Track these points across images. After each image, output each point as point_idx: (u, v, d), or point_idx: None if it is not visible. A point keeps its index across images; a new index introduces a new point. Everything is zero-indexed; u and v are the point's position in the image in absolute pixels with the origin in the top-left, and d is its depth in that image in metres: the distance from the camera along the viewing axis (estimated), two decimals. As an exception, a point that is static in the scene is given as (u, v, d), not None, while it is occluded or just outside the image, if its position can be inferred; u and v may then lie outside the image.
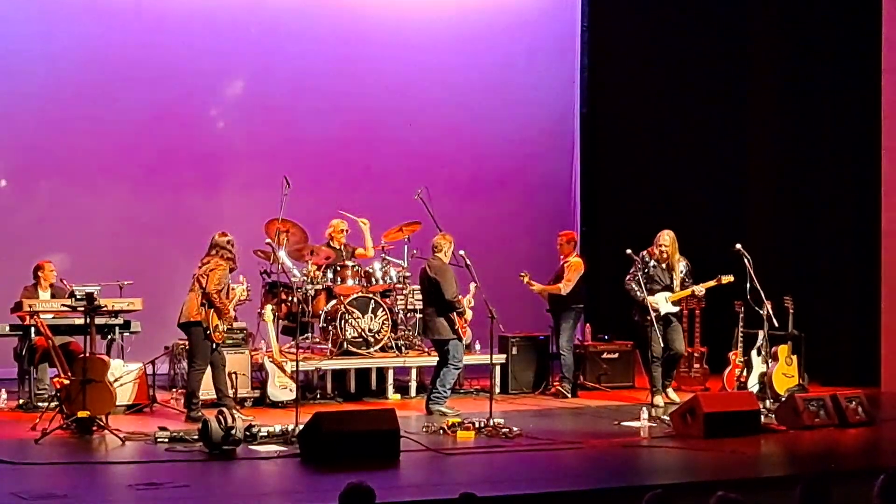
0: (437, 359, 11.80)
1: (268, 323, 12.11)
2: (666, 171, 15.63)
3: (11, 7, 14.06)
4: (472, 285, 11.90)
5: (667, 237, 11.99)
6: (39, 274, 11.98)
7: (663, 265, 11.99)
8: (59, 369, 10.66)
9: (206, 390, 11.50)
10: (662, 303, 11.89)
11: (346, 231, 13.18)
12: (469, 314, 11.97)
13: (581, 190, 16.71)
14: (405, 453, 9.29)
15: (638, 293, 11.78)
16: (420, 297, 12.76)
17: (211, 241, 11.06)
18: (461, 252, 11.59)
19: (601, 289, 14.89)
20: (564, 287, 12.66)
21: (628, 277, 11.92)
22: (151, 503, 7.80)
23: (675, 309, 12.06)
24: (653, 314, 11.66)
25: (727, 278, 11.97)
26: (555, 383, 12.98)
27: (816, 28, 14.19)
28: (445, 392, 11.57)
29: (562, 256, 12.95)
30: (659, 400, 11.77)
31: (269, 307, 12.24)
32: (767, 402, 11.53)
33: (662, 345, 11.84)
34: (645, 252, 12.01)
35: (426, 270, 11.67)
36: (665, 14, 15.66)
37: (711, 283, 12.03)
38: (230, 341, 11.93)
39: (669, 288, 11.95)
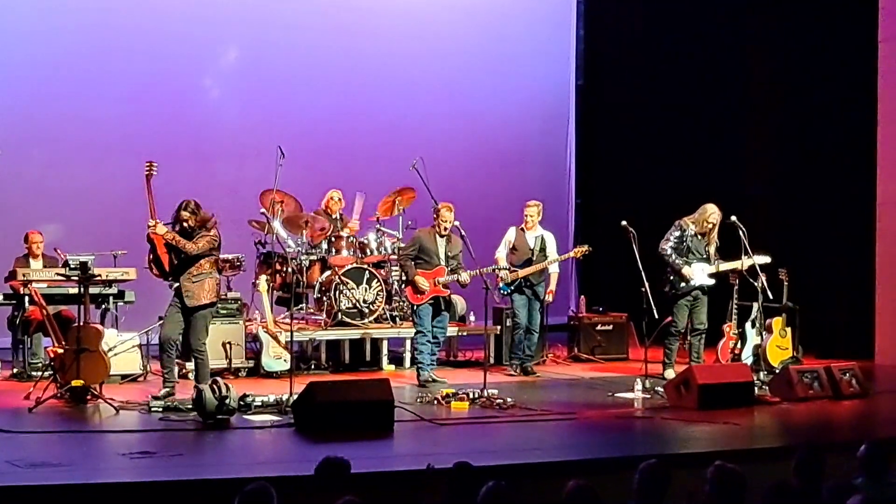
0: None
1: (262, 293, 12.12)
2: (662, 142, 15.62)
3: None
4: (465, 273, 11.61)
5: (717, 213, 11.63)
6: (30, 244, 11.98)
7: (700, 237, 11.70)
8: (53, 339, 10.65)
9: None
10: (698, 273, 11.64)
11: (341, 201, 13.17)
12: (421, 282, 11.49)
13: (576, 161, 16.68)
14: (399, 423, 9.29)
15: (675, 260, 11.60)
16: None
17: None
18: (456, 222, 11.56)
19: (596, 261, 14.86)
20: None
21: (663, 242, 11.67)
22: (145, 471, 7.79)
23: (711, 282, 11.74)
24: (685, 284, 11.57)
25: (763, 259, 11.82)
26: (513, 362, 12.47)
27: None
28: (422, 358, 11.54)
29: (528, 227, 12.25)
30: (671, 373, 11.55)
31: (263, 277, 12.24)
32: (761, 374, 11.55)
33: (688, 320, 11.73)
34: (683, 221, 11.74)
35: None
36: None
37: (752, 262, 11.66)
38: (224, 311, 11.96)
39: (706, 260, 11.72)
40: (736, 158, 15.03)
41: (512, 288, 12.21)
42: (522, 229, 12.33)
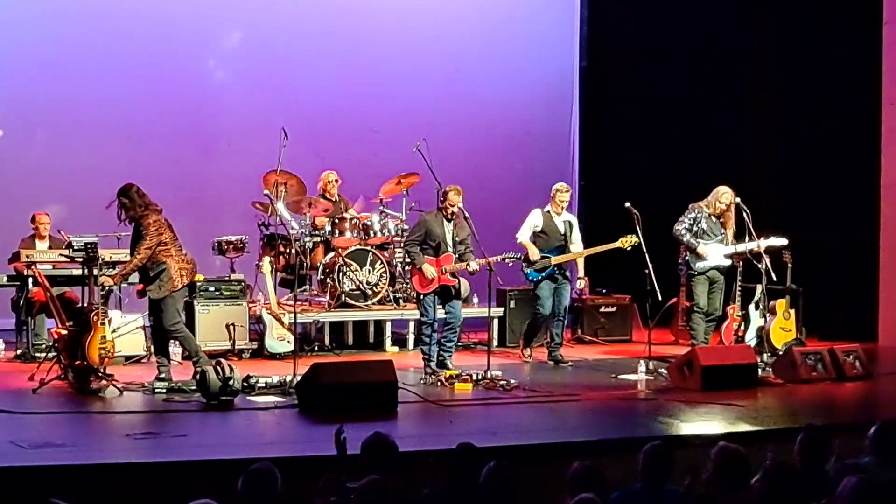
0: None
1: (266, 275, 12.12)
2: (665, 124, 15.56)
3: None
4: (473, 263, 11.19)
5: (729, 195, 11.51)
6: (37, 225, 11.98)
7: (716, 218, 11.59)
8: (56, 320, 10.66)
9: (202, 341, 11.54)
10: (713, 253, 11.54)
11: (338, 182, 13.12)
12: (428, 271, 10.98)
13: (580, 143, 16.65)
14: (403, 405, 9.31)
15: (690, 239, 11.47)
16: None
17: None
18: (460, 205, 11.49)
19: (600, 243, 14.82)
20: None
21: (677, 224, 11.55)
22: (149, 452, 7.81)
23: (727, 262, 11.61)
24: (702, 263, 11.46)
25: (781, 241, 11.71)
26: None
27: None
28: (427, 350, 11.05)
29: (558, 211, 11.96)
30: None
31: (267, 259, 12.25)
32: (765, 355, 11.52)
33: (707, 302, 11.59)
34: (697, 204, 11.63)
35: None
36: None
37: (769, 244, 11.52)
38: (227, 293, 11.97)
39: (722, 242, 11.58)
40: (740, 139, 14.98)
41: (543, 275, 11.84)
42: (549, 213, 11.94)
